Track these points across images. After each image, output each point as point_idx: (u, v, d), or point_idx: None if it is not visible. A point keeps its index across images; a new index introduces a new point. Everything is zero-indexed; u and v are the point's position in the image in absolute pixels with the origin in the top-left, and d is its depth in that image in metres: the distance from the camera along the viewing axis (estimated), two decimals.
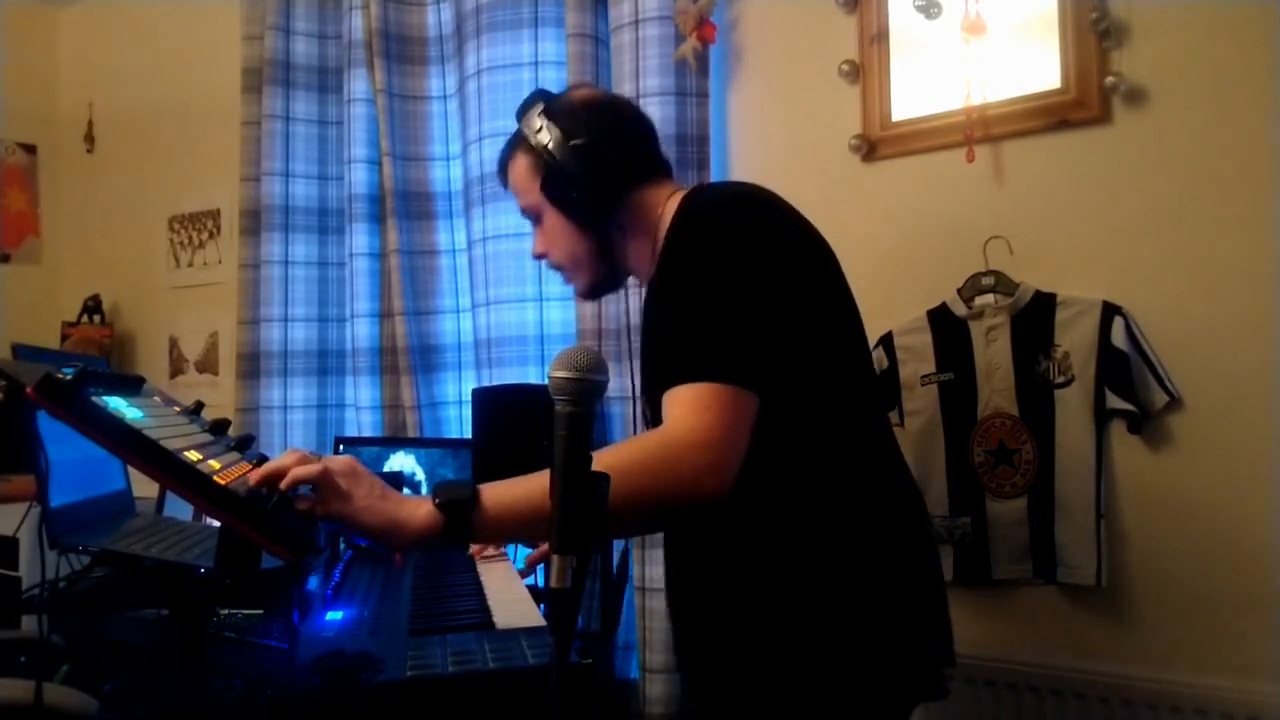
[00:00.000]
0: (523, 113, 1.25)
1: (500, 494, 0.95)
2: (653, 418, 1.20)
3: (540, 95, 1.26)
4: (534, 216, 1.29)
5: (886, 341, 1.84)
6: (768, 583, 1.08)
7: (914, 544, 1.15)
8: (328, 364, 2.64)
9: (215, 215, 3.11)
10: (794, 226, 1.14)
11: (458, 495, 0.92)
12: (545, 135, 1.20)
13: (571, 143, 1.19)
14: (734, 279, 1.05)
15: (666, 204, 1.21)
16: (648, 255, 1.22)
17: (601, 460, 0.88)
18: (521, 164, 1.27)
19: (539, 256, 1.32)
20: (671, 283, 1.09)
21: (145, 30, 3.30)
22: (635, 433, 2.02)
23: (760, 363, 1.02)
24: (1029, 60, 1.75)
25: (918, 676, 1.11)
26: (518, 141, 1.28)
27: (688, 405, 0.99)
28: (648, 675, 1.98)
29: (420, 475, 2.24)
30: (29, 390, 0.83)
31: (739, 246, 1.07)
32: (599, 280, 1.30)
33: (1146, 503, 1.65)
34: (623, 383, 2.05)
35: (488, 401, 2.04)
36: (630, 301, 2.01)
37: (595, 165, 1.19)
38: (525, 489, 0.96)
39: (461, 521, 0.92)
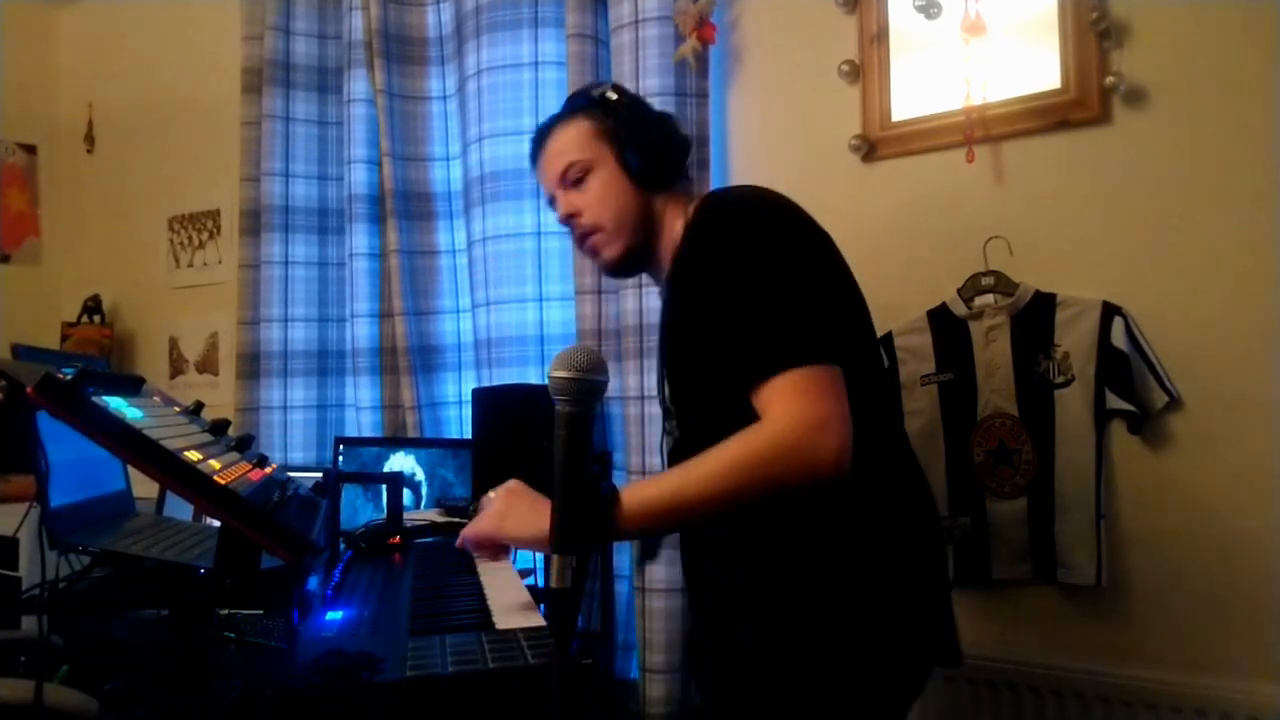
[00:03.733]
0: (589, 89, 1.32)
1: (638, 492, 1.04)
2: (680, 421, 1.24)
3: (603, 82, 1.37)
4: (577, 174, 1.27)
5: (886, 341, 1.84)
6: (794, 570, 1.11)
7: (926, 531, 1.18)
8: (328, 364, 2.64)
9: (215, 215, 3.11)
10: (810, 221, 1.18)
11: (602, 497, 1.01)
12: (627, 99, 1.28)
13: (646, 111, 1.29)
14: (777, 265, 1.08)
15: (687, 211, 1.25)
16: (666, 252, 1.26)
17: (715, 460, 1.02)
18: (581, 126, 1.29)
19: (567, 218, 1.30)
20: (709, 284, 1.11)
21: (145, 30, 3.30)
22: (636, 432, 2.02)
23: (832, 336, 1.06)
24: (1029, 60, 1.75)
25: (932, 648, 1.15)
26: (579, 108, 1.31)
27: (784, 397, 1.01)
28: (648, 675, 1.98)
29: (420, 475, 2.24)
30: (29, 390, 0.83)
31: (772, 235, 1.11)
32: (632, 250, 1.29)
33: (1146, 503, 1.65)
34: (623, 383, 2.05)
35: (488, 401, 2.04)
36: (630, 302, 2.01)
37: (669, 132, 1.28)
38: (658, 486, 1.05)
39: (607, 521, 1.02)
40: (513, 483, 1.18)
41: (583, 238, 1.30)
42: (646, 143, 1.25)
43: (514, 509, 1.13)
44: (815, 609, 1.09)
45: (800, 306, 1.06)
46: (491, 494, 1.19)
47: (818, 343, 1.04)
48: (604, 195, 1.27)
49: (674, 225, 1.27)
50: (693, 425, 1.22)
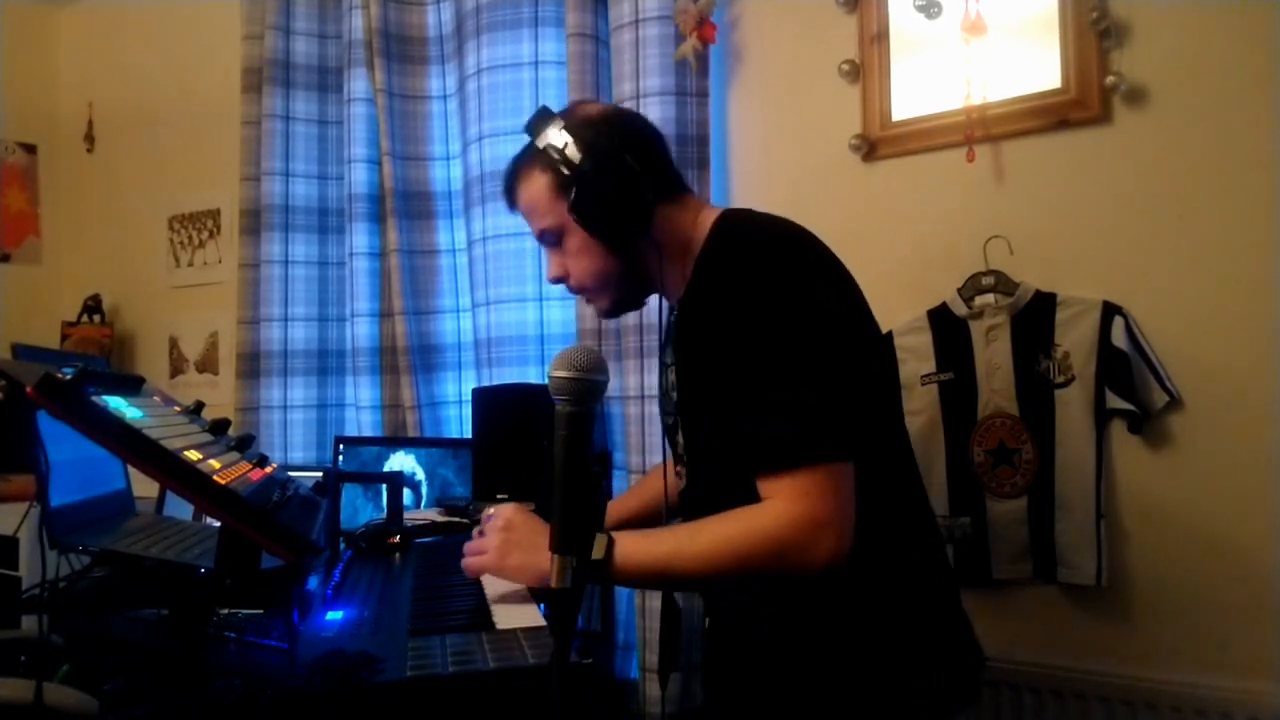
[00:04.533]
0: (536, 128, 1.16)
1: (634, 548, 1.04)
2: (690, 469, 1.23)
3: (550, 111, 1.17)
4: (553, 238, 1.21)
5: (886, 341, 1.84)
6: (817, 601, 1.11)
7: (938, 556, 1.21)
8: (328, 364, 2.64)
9: (215, 215, 3.11)
10: (834, 264, 1.14)
11: (595, 552, 0.99)
12: (572, 151, 1.12)
13: (598, 158, 1.12)
14: (802, 340, 1.04)
15: (696, 223, 1.19)
16: (678, 276, 1.20)
17: (711, 536, 1.04)
18: (539, 183, 1.19)
19: (557, 280, 1.25)
20: (729, 341, 1.06)
21: (145, 30, 3.30)
22: (636, 432, 2.02)
23: (848, 430, 1.02)
24: (1029, 60, 1.75)
25: (957, 683, 1.16)
26: (531, 158, 1.20)
27: (788, 493, 1.01)
28: (648, 675, 1.98)
29: (420, 475, 2.24)
30: (29, 390, 0.83)
31: (797, 300, 1.05)
32: (624, 300, 1.26)
33: (1146, 503, 1.65)
34: (623, 383, 2.05)
35: (488, 401, 2.04)
36: None
37: (627, 182, 1.12)
38: (654, 550, 1.05)
39: (600, 571, 1.00)
40: (510, 511, 1.16)
41: (575, 292, 1.27)
42: (603, 211, 1.13)
43: (514, 546, 1.13)
44: (845, 661, 1.10)
45: (815, 394, 1.02)
46: (491, 510, 1.19)
47: (829, 439, 1.01)
48: (580, 259, 1.20)
49: (685, 235, 1.19)
50: (702, 478, 1.22)
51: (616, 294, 1.24)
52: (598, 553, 0.98)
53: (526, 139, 1.20)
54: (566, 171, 1.13)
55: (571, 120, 1.16)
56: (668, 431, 1.33)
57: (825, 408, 1.01)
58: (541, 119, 1.16)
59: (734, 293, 1.07)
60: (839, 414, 1.02)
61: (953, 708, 1.15)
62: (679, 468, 1.28)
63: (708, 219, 1.18)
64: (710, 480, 1.18)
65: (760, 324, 1.05)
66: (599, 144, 1.13)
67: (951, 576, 1.23)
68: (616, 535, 1.04)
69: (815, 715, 1.10)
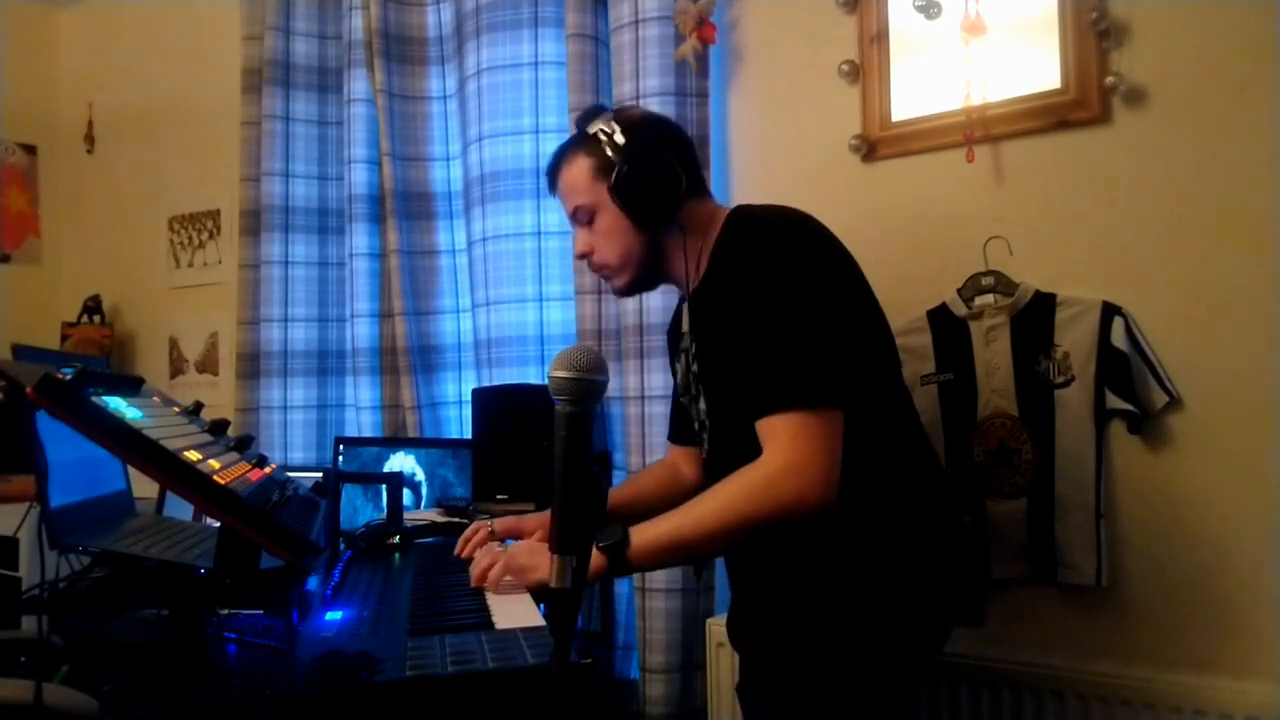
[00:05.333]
0: (588, 119, 1.33)
1: (645, 532, 1.15)
2: (711, 435, 1.35)
3: (602, 106, 1.42)
4: (585, 216, 1.36)
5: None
6: (830, 554, 1.21)
7: (945, 515, 1.31)
8: (328, 364, 2.64)
9: (215, 215, 3.11)
10: (834, 243, 1.27)
11: (612, 539, 1.13)
12: (619, 138, 1.29)
13: (642, 146, 1.28)
14: (800, 302, 1.17)
15: (713, 218, 1.33)
16: (693, 265, 1.34)
17: (713, 500, 1.15)
18: (582, 165, 1.34)
19: (582, 255, 1.39)
20: (739, 308, 1.20)
21: (145, 30, 3.30)
22: (636, 432, 2.03)
23: (837, 379, 1.15)
24: (1029, 60, 1.75)
25: (957, 607, 1.30)
26: (578, 144, 1.36)
27: (781, 436, 1.13)
28: (648, 675, 1.98)
29: (420, 476, 2.24)
30: (29, 390, 0.83)
31: (798, 269, 1.19)
32: (638, 280, 1.39)
33: (1146, 503, 1.65)
34: (623, 383, 2.05)
35: (488, 401, 2.04)
36: (630, 302, 2.01)
37: (664, 169, 1.29)
38: (660, 527, 1.15)
39: (619, 559, 1.13)
40: (523, 545, 1.34)
41: (596, 268, 1.40)
42: (640, 191, 1.29)
43: (520, 552, 1.27)
44: (849, 582, 1.21)
45: (810, 347, 1.15)
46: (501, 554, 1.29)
47: (820, 386, 1.14)
48: (609, 236, 1.35)
49: (703, 228, 1.33)
50: (722, 441, 1.31)
51: (635, 273, 1.37)
52: (613, 539, 1.11)
53: (548, 165, 1.41)
54: (611, 154, 1.29)
55: (619, 115, 1.34)
56: (686, 407, 1.44)
57: (815, 360, 1.15)
58: (591, 112, 1.35)
59: (740, 266, 1.22)
60: (828, 366, 1.15)
61: (950, 629, 1.30)
62: (701, 436, 1.39)
63: (722, 215, 1.33)
64: (728, 439, 1.29)
65: (761, 289, 1.18)
66: (642, 133, 1.31)
67: (954, 513, 1.33)
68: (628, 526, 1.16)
69: (828, 648, 1.20)
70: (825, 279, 1.21)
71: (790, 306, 1.17)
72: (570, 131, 2.09)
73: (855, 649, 1.20)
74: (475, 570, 1.27)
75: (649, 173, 1.28)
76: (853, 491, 1.17)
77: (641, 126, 1.33)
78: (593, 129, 1.32)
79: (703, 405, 1.36)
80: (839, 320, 1.20)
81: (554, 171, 1.40)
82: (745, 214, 1.29)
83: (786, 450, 1.12)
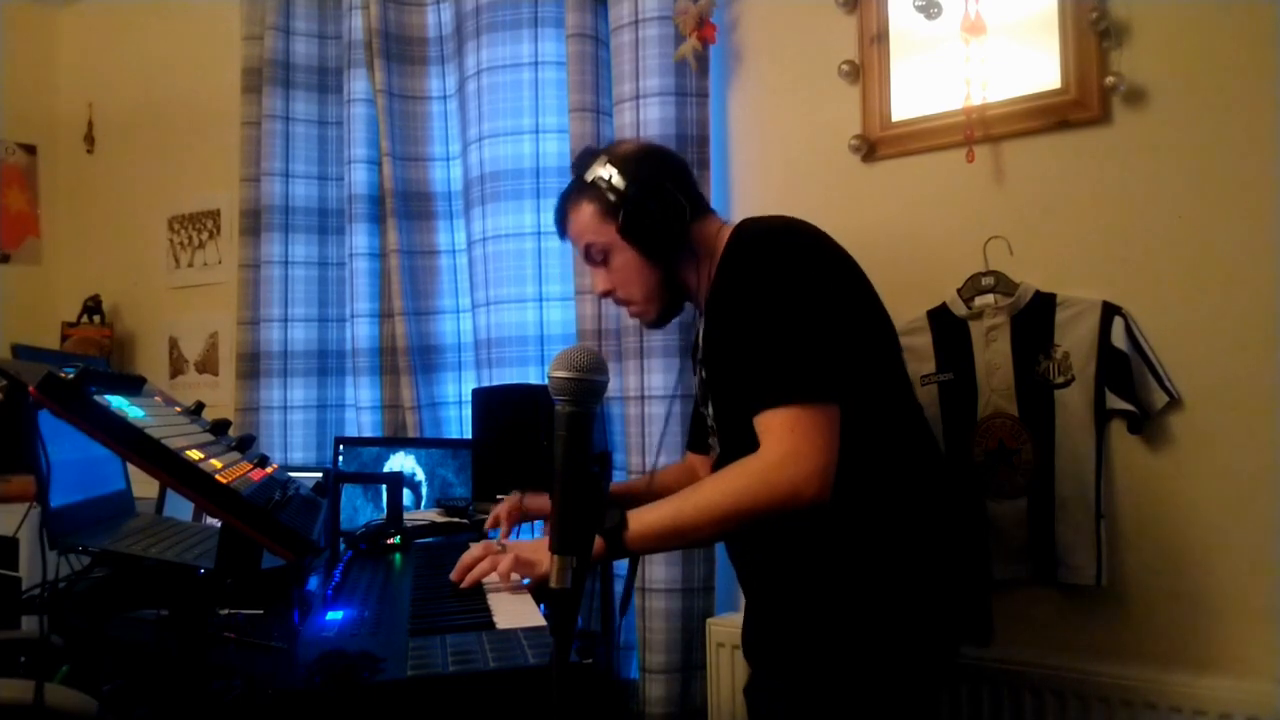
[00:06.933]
0: (583, 165, 1.38)
1: (642, 516, 1.17)
2: (720, 437, 1.37)
3: (593, 149, 1.45)
4: (599, 255, 1.40)
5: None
6: (839, 561, 1.23)
7: (959, 523, 1.32)
8: (328, 364, 2.64)
9: (215, 215, 3.11)
10: (835, 247, 1.30)
11: (611, 522, 1.15)
12: (617, 180, 1.33)
13: (642, 185, 1.32)
14: (796, 302, 1.20)
15: (719, 235, 1.37)
16: (704, 280, 1.37)
17: (710, 487, 1.18)
18: (587, 211, 1.38)
19: (605, 294, 1.44)
20: (738, 311, 1.23)
21: (145, 30, 3.30)
22: (636, 432, 2.03)
23: (833, 375, 1.17)
24: (1029, 60, 1.75)
25: (962, 628, 1.32)
26: (578, 191, 1.40)
27: (777, 430, 1.15)
28: (648, 675, 1.98)
29: (420, 476, 2.24)
30: (32, 389, 0.83)
31: (795, 271, 1.22)
32: (667, 308, 1.43)
33: (1146, 503, 1.65)
34: (623, 383, 2.05)
35: (488, 401, 2.04)
36: None
37: (666, 203, 1.33)
38: (659, 511, 1.18)
39: (616, 542, 1.15)
40: (530, 544, 1.33)
41: (621, 304, 1.45)
42: (648, 229, 1.33)
43: (521, 547, 1.28)
44: (858, 595, 1.22)
45: (805, 343, 1.18)
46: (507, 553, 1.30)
47: (816, 382, 1.16)
48: (627, 274, 1.39)
49: (710, 245, 1.37)
50: (731, 443, 1.32)
51: (660, 304, 1.42)
52: (611, 522, 1.13)
53: (555, 212, 1.45)
54: (613, 198, 1.33)
55: (613, 155, 1.37)
56: (704, 417, 1.46)
57: (809, 356, 1.17)
58: (586, 156, 1.40)
59: (739, 270, 1.25)
60: (824, 362, 1.17)
61: (961, 638, 1.32)
62: (711, 440, 1.42)
63: (726, 230, 1.36)
64: (736, 441, 1.29)
65: (758, 289, 1.22)
66: (640, 173, 1.34)
67: (961, 510, 1.34)
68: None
69: (846, 654, 1.22)
70: (821, 277, 1.23)
71: (785, 304, 1.20)
72: (570, 130, 2.11)
73: (872, 655, 1.21)
74: (478, 569, 1.27)
75: (653, 209, 1.32)
76: (857, 490, 1.18)
77: (636, 163, 1.36)
78: (590, 176, 1.36)
79: (711, 409, 1.38)
80: (836, 316, 1.22)
81: (561, 220, 1.44)
82: (747, 225, 1.32)
83: (782, 442, 1.14)
